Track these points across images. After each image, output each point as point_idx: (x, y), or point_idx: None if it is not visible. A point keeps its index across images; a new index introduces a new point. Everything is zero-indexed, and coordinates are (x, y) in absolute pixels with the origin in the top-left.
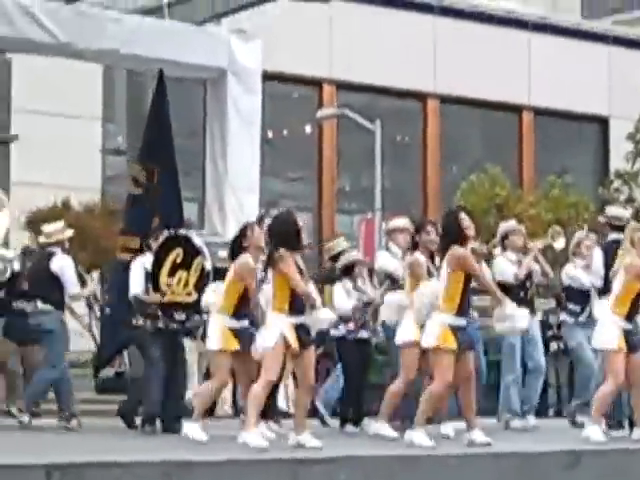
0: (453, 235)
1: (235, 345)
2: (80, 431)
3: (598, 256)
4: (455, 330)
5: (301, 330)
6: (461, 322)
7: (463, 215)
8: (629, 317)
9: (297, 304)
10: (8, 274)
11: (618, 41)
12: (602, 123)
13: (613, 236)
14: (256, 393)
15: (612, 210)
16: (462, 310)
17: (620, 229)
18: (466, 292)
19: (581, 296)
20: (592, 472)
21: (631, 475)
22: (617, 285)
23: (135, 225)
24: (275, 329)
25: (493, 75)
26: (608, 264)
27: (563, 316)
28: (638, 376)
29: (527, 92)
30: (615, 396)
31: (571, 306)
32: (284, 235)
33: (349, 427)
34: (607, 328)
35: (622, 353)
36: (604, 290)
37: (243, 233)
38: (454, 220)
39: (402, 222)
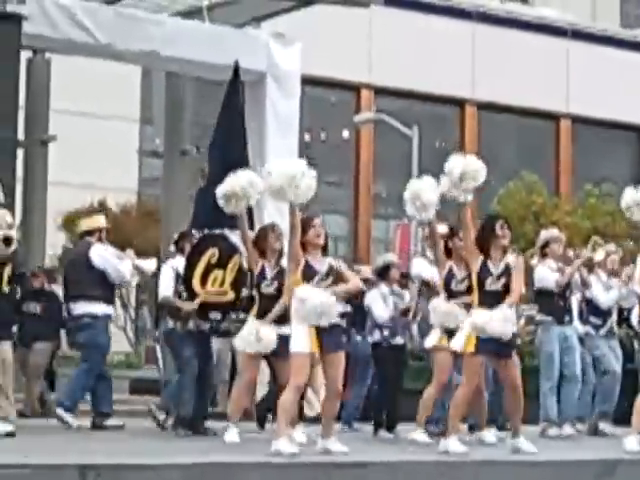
0: (485, 242)
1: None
2: (114, 431)
3: None
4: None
5: (329, 334)
6: None
7: (501, 223)
8: None
9: None
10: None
11: None
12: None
13: None
14: (286, 399)
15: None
16: None
17: None
18: None
19: (600, 310)
20: None
21: None
22: None
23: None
24: (304, 332)
25: (531, 82)
26: None
27: (587, 328)
28: None
29: (565, 100)
30: None
31: (592, 319)
32: None
33: (382, 432)
34: None
35: None
36: None
37: (261, 235)
38: (490, 227)
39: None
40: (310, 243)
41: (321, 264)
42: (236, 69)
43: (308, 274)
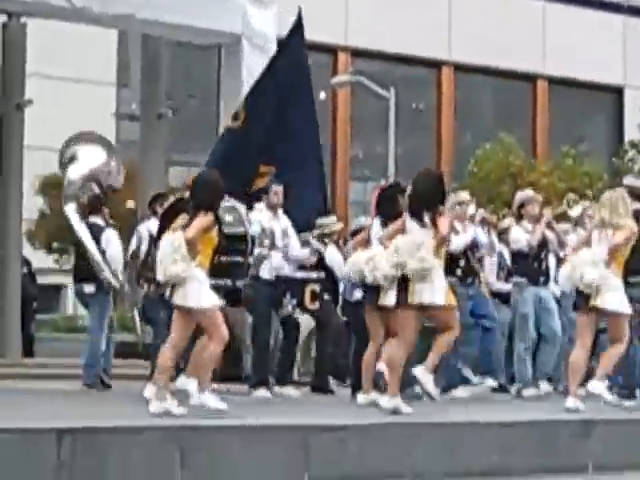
0: (435, 199)
1: None
2: (93, 395)
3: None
4: None
5: None
6: None
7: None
8: None
9: None
10: None
11: (633, 10)
12: (617, 93)
13: (636, 205)
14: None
15: (630, 180)
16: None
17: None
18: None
19: None
20: (603, 441)
21: None
22: None
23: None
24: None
25: (508, 44)
26: None
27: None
28: None
29: (542, 61)
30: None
31: None
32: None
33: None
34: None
35: None
36: None
37: None
38: (439, 184)
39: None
40: None
41: None
42: (299, 17)
43: None
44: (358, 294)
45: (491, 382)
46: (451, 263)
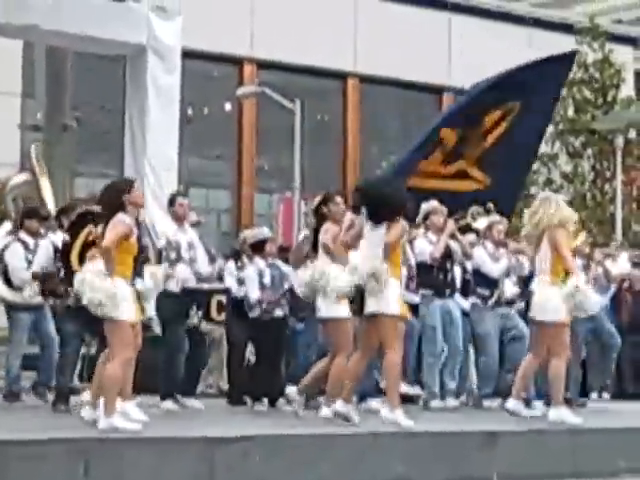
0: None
1: None
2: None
3: None
4: None
5: None
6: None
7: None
8: None
9: None
10: None
11: (538, 23)
12: None
13: None
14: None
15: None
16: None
17: None
18: None
19: (488, 280)
20: (509, 452)
21: (548, 455)
22: None
23: None
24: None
25: (413, 55)
26: None
27: (474, 300)
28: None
29: (447, 73)
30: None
31: (480, 290)
32: None
33: (258, 406)
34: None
35: None
36: None
37: None
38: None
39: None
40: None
41: None
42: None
43: None
44: (257, 311)
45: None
46: None
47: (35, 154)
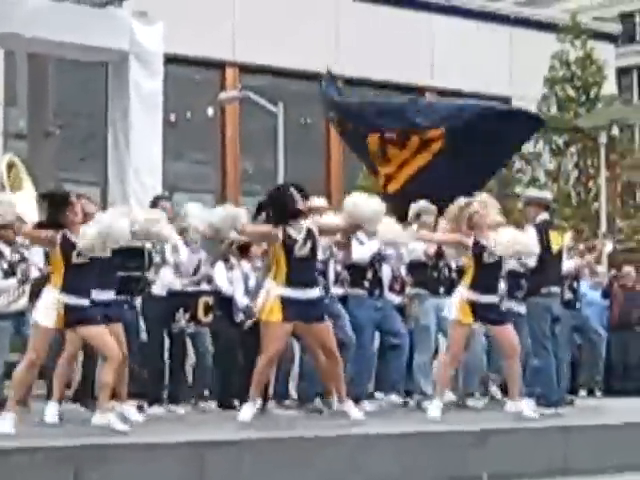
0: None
1: None
2: None
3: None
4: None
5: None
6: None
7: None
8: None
9: None
10: None
11: (519, 22)
12: (504, 103)
13: (544, 216)
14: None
15: (533, 192)
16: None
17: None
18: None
19: None
20: (499, 451)
21: (539, 454)
22: None
23: None
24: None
25: (396, 56)
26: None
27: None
28: None
29: (430, 73)
30: None
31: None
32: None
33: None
34: None
35: None
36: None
37: None
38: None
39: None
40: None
41: None
42: None
43: None
44: (242, 316)
45: (394, 397)
46: (357, 275)
47: (6, 164)
